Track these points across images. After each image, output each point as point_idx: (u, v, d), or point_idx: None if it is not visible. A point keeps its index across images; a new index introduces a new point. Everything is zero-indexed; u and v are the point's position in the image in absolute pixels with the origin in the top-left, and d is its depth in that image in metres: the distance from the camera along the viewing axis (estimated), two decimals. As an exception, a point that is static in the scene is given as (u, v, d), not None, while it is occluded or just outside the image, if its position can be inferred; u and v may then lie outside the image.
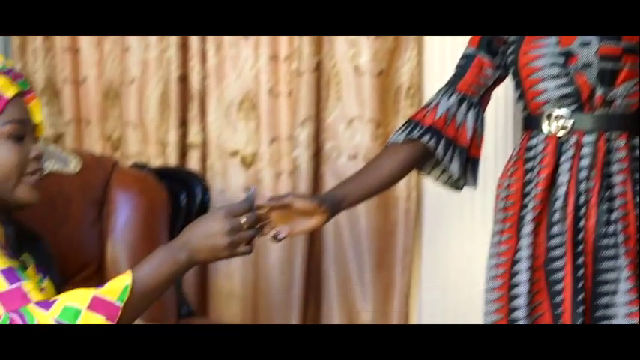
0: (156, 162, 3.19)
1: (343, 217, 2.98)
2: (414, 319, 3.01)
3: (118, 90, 3.35)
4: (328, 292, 3.03)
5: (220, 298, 3.20)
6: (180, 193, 2.77)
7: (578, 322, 2.03)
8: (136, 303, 1.81)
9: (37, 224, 2.43)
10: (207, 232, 1.82)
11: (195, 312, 2.87)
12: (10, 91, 1.90)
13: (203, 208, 2.78)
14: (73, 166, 2.60)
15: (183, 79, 3.20)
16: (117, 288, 1.81)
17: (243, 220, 1.83)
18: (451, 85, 2.20)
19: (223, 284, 3.19)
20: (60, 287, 2.07)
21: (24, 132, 1.92)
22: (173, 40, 3.13)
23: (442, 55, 2.91)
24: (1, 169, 1.91)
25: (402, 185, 2.91)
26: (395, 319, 2.97)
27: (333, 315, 3.03)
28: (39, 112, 1.99)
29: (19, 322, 1.77)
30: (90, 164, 2.65)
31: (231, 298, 3.19)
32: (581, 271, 2.05)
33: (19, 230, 2.06)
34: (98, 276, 2.63)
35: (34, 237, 2.11)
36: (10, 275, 1.82)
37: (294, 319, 3.06)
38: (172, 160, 3.22)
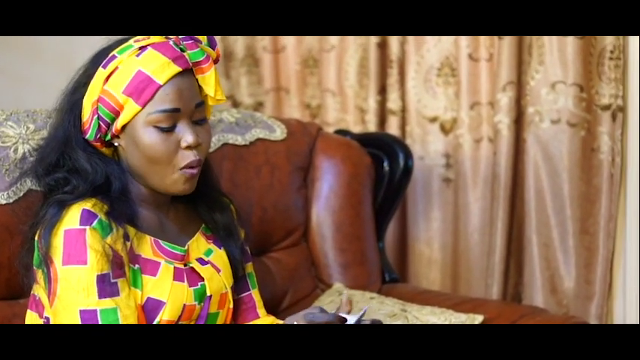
0: (355, 129, 3.21)
1: (546, 183, 2.94)
2: (618, 287, 2.94)
3: (317, 58, 3.39)
4: (530, 258, 2.98)
5: (420, 264, 3.21)
6: (383, 159, 2.78)
7: None
8: None
9: (243, 190, 2.49)
10: None
11: (399, 278, 2.89)
12: (163, 76, 1.84)
13: (406, 173, 2.79)
14: (279, 132, 2.64)
15: (382, 45, 3.21)
16: None
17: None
18: None
19: (423, 250, 3.20)
20: (236, 259, 2.08)
21: (174, 121, 1.86)
22: (371, 7, 3.13)
23: (648, 15, 2.82)
24: (148, 157, 1.88)
25: (606, 150, 2.84)
26: (598, 286, 2.90)
27: (535, 281, 2.98)
28: (212, 83, 1.91)
29: None
30: (295, 130, 2.68)
31: (431, 264, 3.20)
32: None
33: (196, 204, 2.06)
34: (303, 242, 2.67)
35: (217, 207, 2.09)
36: (101, 286, 1.83)
37: (495, 286, 3.03)
38: (371, 127, 3.23)
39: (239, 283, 2.11)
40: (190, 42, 1.89)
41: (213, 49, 1.93)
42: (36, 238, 1.87)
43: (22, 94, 3.22)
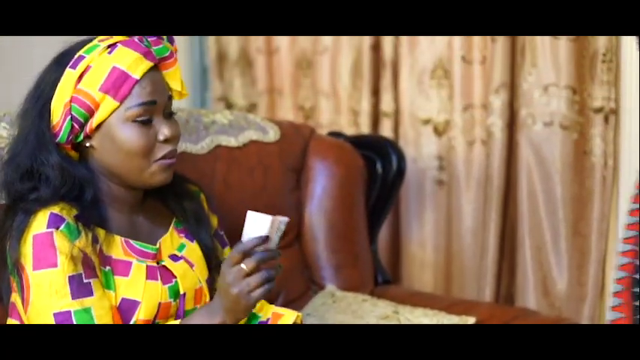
0: (348, 131, 3.22)
1: (538, 185, 2.94)
2: (610, 288, 2.94)
3: (311, 59, 3.40)
4: (523, 259, 2.98)
5: (413, 266, 3.21)
6: (376, 161, 2.79)
7: None
8: None
9: (236, 192, 2.49)
10: (223, 287, 1.81)
11: (392, 280, 2.89)
12: (139, 71, 1.86)
13: (399, 175, 2.79)
14: (272, 134, 2.64)
15: (376, 47, 3.22)
16: None
17: (246, 265, 1.79)
18: None
19: (416, 252, 3.20)
20: (209, 247, 2.07)
21: (151, 114, 1.88)
22: (365, 9, 3.14)
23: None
24: (127, 153, 1.88)
25: (598, 152, 2.84)
26: (590, 288, 2.90)
27: (528, 283, 2.98)
28: (178, 77, 1.94)
29: None
30: (288, 132, 2.68)
31: (424, 265, 3.20)
32: None
33: (166, 197, 2.05)
34: (296, 244, 2.67)
35: (185, 194, 2.09)
36: (74, 287, 1.82)
37: (488, 288, 3.04)
38: (365, 129, 3.24)
39: (215, 273, 2.11)
40: (154, 39, 1.91)
41: (172, 45, 1.95)
42: (7, 248, 1.86)
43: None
